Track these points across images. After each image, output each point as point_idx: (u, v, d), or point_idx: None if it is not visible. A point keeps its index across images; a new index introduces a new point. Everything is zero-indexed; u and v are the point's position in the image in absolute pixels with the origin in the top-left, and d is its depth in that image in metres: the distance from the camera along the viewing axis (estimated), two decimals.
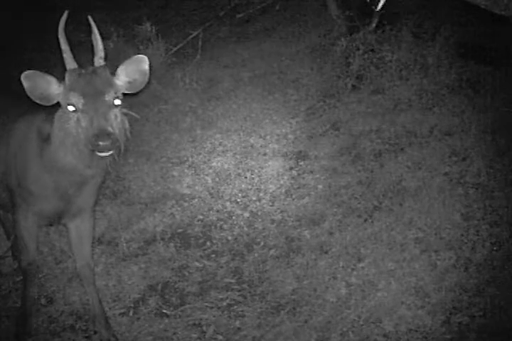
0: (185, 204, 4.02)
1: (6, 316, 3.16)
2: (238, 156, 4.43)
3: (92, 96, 2.44)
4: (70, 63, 2.49)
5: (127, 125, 2.65)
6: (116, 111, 2.51)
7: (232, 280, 3.39)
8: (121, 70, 2.57)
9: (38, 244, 3.24)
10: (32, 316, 3.04)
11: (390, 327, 2.93)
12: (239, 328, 3.06)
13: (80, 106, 2.44)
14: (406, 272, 3.22)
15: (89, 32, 2.61)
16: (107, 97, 2.47)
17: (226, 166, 4.34)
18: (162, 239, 3.70)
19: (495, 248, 3.28)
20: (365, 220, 3.64)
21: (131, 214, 3.92)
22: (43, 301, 3.28)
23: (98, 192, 2.96)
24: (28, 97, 2.60)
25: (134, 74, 2.58)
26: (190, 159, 4.45)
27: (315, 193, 3.98)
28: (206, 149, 4.54)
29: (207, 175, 4.28)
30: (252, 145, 4.54)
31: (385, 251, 3.37)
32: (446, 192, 3.70)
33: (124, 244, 3.65)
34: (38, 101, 2.49)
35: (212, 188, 4.15)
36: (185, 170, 4.34)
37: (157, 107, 5.08)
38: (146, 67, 2.59)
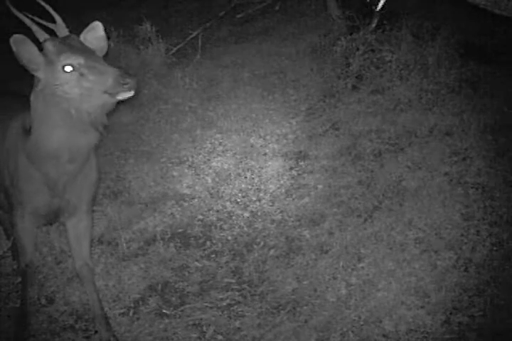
0: (185, 204, 4.02)
1: (6, 316, 3.16)
2: (238, 156, 4.43)
3: (87, 53, 2.53)
4: (43, 34, 2.56)
5: None
6: None
7: (232, 280, 3.38)
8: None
9: (38, 244, 3.24)
10: (32, 316, 3.04)
11: (390, 327, 2.93)
12: (239, 328, 3.06)
13: (82, 61, 2.47)
14: (406, 272, 3.21)
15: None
16: (98, 55, 2.58)
17: (226, 166, 4.34)
18: (162, 239, 3.70)
19: (495, 248, 3.28)
20: (365, 220, 3.64)
21: (131, 214, 3.92)
22: (43, 301, 3.28)
23: (95, 192, 2.96)
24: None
25: (93, 41, 2.65)
26: (190, 159, 4.45)
27: (315, 193, 3.98)
28: (206, 149, 4.54)
29: (207, 175, 4.28)
30: (252, 145, 4.54)
31: (385, 251, 3.37)
32: (446, 192, 3.70)
33: (124, 244, 3.65)
34: (25, 65, 2.51)
35: (212, 188, 4.15)
36: (185, 170, 4.34)
37: (157, 107, 5.08)
38: (102, 32, 2.68)
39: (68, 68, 2.49)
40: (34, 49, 2.50)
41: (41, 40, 2.54)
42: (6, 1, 2.58)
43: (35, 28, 2.54)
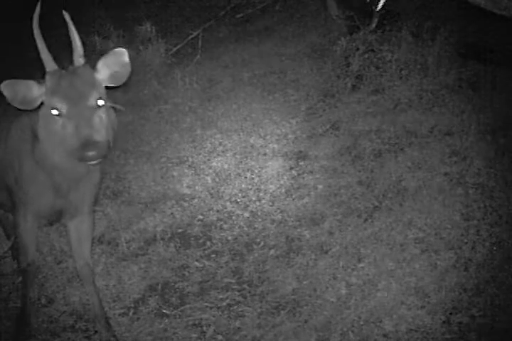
0: (185, 204, 4.02)
1: (7, 317, 3.16)
2: (238, 156, 4.43)
3: (76, 101, 2.41)
4: (49, 64, 2.45)
5: (113, 116, 2.61)
6: (101, 111, 2.47)
7: (232, 280, 3.38)
8: (101, 64, 2.53)
9: (38, 244, 3.24)
10: (32, 316, 3.04)
11: (390, 327, 2.93)
12: (239, 328, 3.06)
13: (64, 111, 2.40)
14: (406, 272, 3.21)
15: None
16: (91, 101, 2.43)
17: (226, 166, 4.34)
18: (162, 239, 3.70)
19: (495, 248, 3.28)
20: (365, 220, 3.64)
21: (131, 214, 3.92)
22: (43, 301, 3.28)
23: (97, 192, 2.95)
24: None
25: (115, 66, 2.53)
26: (190, 159, 4.45)
27: (315, 193, 3.98)
28: (206, 149, 4.54)
29: (207, 175, 4.28)
30: (252, 145, 4.54)
31: (385, 251, 3.37)
32: (446, 192, 3.70)
33: (124, 244, 3.65)
34: (21, 107, 2.45)
35: (212, 188, 4.15)
36: (185, 170, 4.34)
37: (157, 107, 5.08)
38: (127, 59, 2.55)
39: (55, 112, 2.42)
40: (27, 85, 2.42)
41: (46, 70, 2.45)
42: (33, 21, 2.45)
43: (44, 54, 2.44)
